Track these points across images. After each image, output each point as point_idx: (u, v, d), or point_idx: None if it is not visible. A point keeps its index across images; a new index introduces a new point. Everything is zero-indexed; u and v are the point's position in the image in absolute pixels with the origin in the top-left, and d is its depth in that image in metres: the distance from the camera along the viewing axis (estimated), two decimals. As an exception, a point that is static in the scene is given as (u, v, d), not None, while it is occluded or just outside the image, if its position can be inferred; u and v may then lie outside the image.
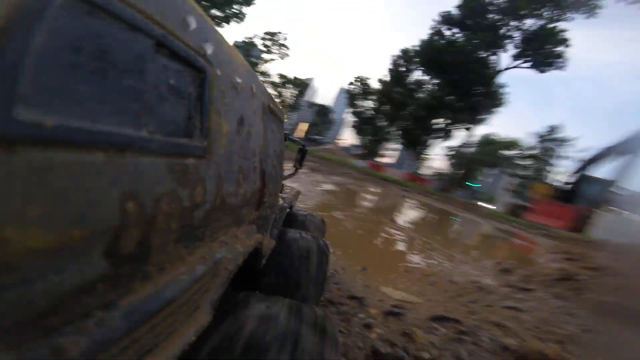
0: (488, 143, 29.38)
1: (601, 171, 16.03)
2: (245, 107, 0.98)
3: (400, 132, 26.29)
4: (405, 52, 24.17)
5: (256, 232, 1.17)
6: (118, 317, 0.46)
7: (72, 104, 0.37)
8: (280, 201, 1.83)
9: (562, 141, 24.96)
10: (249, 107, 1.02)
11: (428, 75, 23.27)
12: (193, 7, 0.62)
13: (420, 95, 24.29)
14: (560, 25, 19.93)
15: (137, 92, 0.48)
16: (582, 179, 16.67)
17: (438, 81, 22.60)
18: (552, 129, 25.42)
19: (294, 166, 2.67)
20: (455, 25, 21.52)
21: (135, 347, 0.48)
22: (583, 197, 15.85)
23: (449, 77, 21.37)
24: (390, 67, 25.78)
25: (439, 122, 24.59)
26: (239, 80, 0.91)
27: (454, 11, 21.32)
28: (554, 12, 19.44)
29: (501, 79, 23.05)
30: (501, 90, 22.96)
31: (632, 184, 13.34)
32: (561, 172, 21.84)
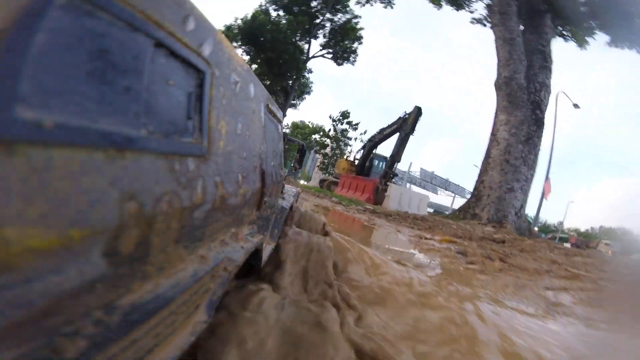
0: (298, 127, 34.55)
1: (383, 148, 19.94)
2: (245, 107, 0.98)
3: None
4: (228, 28, 24.23)
5: (256, 232, 1.17)
6: (117, 317, 0.46)
7: (72, 103, 0.37)
8: (280, 201, 1.83)
9: (350, 124, 29.11)
10: (248, 107, 1.02)
11: (247, 51, 24.02)
12: (193, 7, 0.62)
13: (238, 75, 25.93)
14: (360, 23, 22.21)
15: (136, 92, 0.48)
16: (373, 156, 19.43)
17: (257, 59, 23.76)
18: (343, 114, 29.19)
19: (294, 166, 2.67)
20: (282, 8, 22.79)
21: (135, 347, 0.48)
22: (375, 171, 18.89)
23: (265, 56, 22.43)
24: (210, 42, 26.27)
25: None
26: (238, 80, 0.91)
27: (283, -7, 22.61)
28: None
29: (309, 65, 24.66)
30: (309, 76, 25.85)
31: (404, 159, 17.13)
32: (354, 151, 24.70)
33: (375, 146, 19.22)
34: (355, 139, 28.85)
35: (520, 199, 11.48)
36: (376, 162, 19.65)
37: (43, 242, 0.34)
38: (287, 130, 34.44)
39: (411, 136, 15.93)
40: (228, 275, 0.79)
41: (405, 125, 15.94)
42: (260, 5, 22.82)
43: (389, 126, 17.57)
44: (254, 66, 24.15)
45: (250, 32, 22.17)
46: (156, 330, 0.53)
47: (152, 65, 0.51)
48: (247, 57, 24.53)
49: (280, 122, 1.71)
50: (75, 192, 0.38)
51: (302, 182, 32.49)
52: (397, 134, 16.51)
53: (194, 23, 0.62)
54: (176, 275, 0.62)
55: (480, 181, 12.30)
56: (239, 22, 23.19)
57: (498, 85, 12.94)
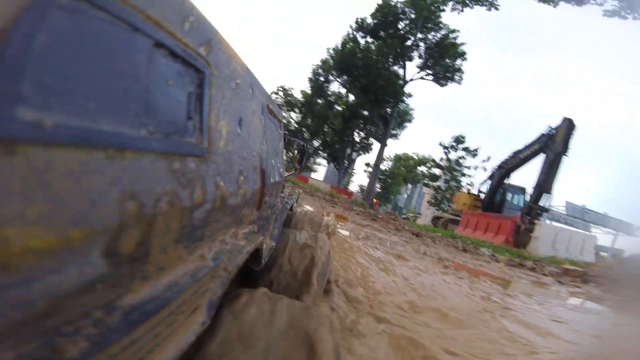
0: (401, 159, 30.79)
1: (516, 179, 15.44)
2: (245, 107, 0.99)
3: (322, 145, 26.11)
4: (324, 62, 24.12)
5: (257, 233, 1.17)
6: (117, 317, 0.46)
7: (72, 104, 0.37)
8: (280, 201, 1.83)
9: (467, 150, 24.56)
10: (248, 107, 1.02)
11: (341, 79, 23.21)
12: (193, 7, 0.62)
13: (339, 108, 24.59)
14: (458, 38, 19.91)
15: (136, 92, 0.48)
16: (505, 187, 15.61)
17: (353, 89, 22.64)
18: (457, 139, 24.77)
19: (294, 166, 2.67)
20: (369, 33, 21.72)
21: (135, 347, 0.48)
22: (508, 206, 15.21)
23: (360, 83, 21.43)
24: (311, 77, 25.30)
25: (357, 135, 25.50)
26: (238, 80, 0.91)
27: (369, 19, 21.38)
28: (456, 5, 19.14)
29: (407, 89, 21.89)
30: (408, 102, 23.57)
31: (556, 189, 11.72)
32: (476, 182, 20.78)
33: (507, 174, 15.03)
34: (476, 167, 24.16)
35: None
36: (510, 194, 15.45)
37: (43, 242, 0.34)
38: (389, 164, 31.57)
39: (564, 156, 11.58)
40: (228, 275, 0.79)
41: (554, 144, 11.66)
42: (348, 34, 22.10)
43: (528, 147, 13.33)
44: (352, 97, 23.19)
45: (342, 62, 21.55)
46: (156, 330, 0.53)
47: (152, 65, 0.51)
48: (344, 90, 23.68)
49: (280, 122, 1.71)
50: (75, 192, 0.38)
51: (410, 217, 27.13)
52: (541, 156, 12.41)
53: (194, 23, 0.62)
54: (176, 275, 0.62)
55: None
56: (331, 52, 22.71)
57: None
